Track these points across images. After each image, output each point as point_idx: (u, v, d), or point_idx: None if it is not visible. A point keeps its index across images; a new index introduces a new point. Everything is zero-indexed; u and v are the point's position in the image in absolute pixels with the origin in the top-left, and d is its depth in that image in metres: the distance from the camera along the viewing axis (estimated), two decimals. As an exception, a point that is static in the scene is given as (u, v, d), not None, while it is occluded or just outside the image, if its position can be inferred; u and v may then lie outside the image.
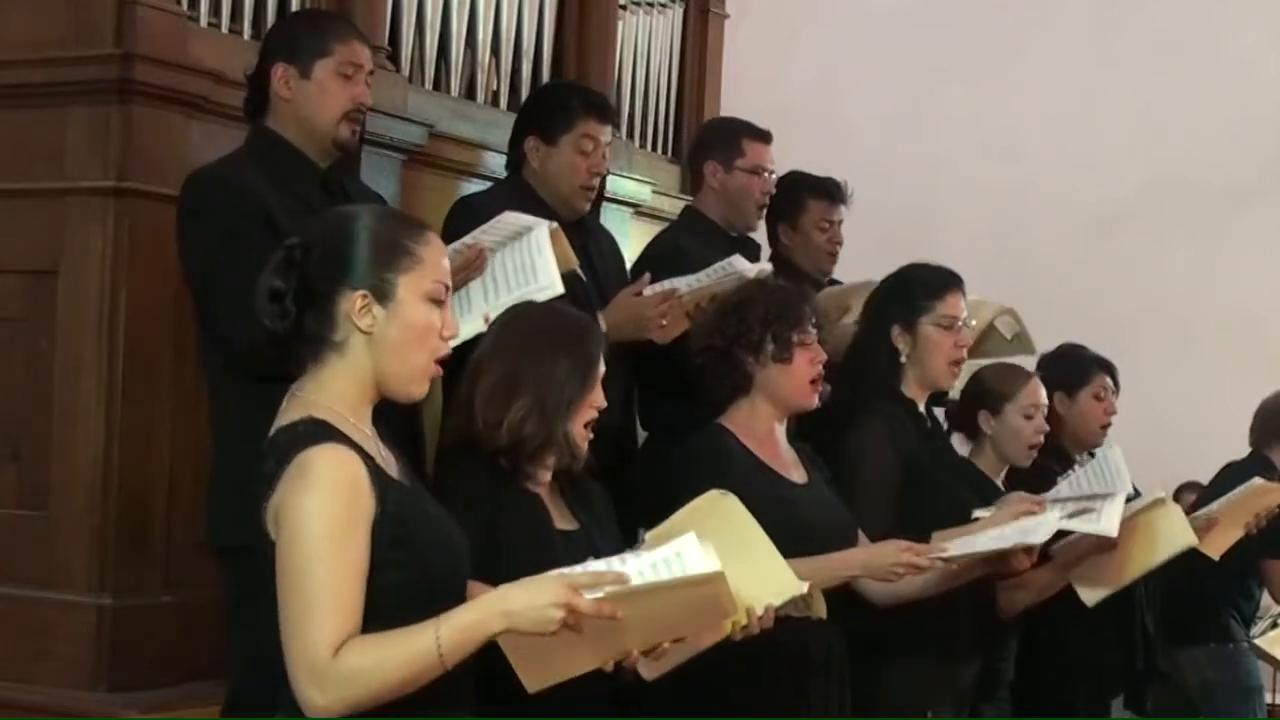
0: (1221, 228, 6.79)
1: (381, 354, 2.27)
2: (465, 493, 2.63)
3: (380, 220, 2.33)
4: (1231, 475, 5.10)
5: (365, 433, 2.29)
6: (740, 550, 2.66)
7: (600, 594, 2.17)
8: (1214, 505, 4.42)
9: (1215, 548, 4.30)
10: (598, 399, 2.83)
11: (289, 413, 2.25)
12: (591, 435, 2.84)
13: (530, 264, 3.34)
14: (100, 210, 3.60)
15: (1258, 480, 4.43)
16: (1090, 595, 3.87)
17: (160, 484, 3.65)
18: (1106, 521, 3.56)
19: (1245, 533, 4.34)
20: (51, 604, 3.59)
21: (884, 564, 3.15)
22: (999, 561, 3.35)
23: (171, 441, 3.67)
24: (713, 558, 2.32)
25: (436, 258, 2.32)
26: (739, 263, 3.73)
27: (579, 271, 3.65)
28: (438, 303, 2.30)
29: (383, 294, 2.25)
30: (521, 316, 2.93)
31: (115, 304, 3.58)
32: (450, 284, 2.35)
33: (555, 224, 3.49)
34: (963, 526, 3.51)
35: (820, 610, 2.94)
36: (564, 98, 4.03)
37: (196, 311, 3.32)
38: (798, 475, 3.35)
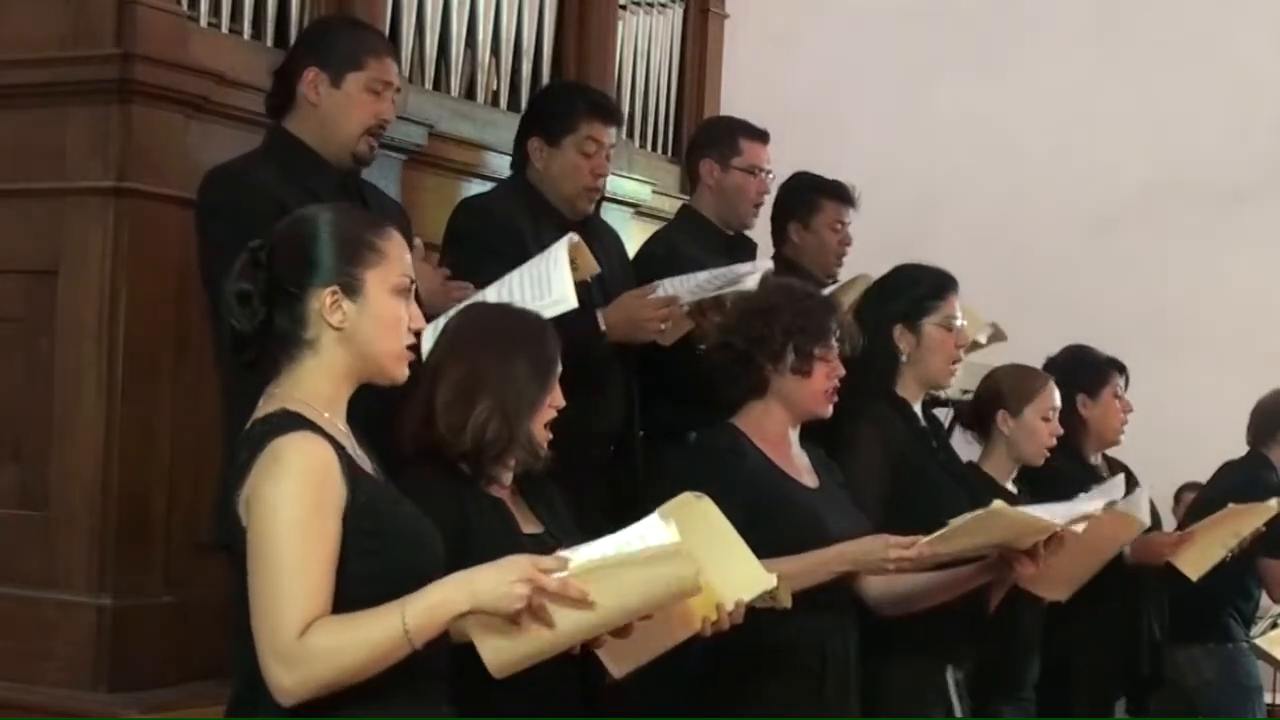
0: (1221, 228, 6.80)
1: (355, 347, 2.30)
2: (432, 501, 2.59)
3: (342, 218, 2.37)
4: (1229, 474, 5.11)
5: (339, 428, 2.32)
6: (713, 549, 2.66)
7: (565, 573, 2.20)
8: (1194, 526, 4.42)
9: (1194, 568, 4.29)
10: (557, 399, 2.83)
11: (264, 408, 2.29)
12: (550, 435, 2.83)
13: (546, 277, 3.35)
14: (100, 210, 3.60)
15: (1233, 506, 4.42)
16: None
17: (160, 484, 3.65)
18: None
19: (1225, 556, 4.32)
20: (51, 604, 3.59)
21: (873, 558, 3.14)
22: (1004, 568, 3.34)
23: (171, 441, 3.67)
24: (675, 535, 2.34)
25: (400, 252, 2.36)
26: (742, 270, 3.72)
27: (587, 279, 3.64)
28: (404, 295, 2.34)
29: (351, 289, 2.29)
30: (475, 319, 2.92)
31: (115, 304, 3.58)
32: (414, 278, 2.38)
33: (577, 236, 3.49)
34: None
35: (786, 600, 2.93)
36: (568, 98, 4.03)
37: (211, 309, 3.32)
38: (810, 479, 3.33)
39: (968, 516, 3.18)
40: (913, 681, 3.57)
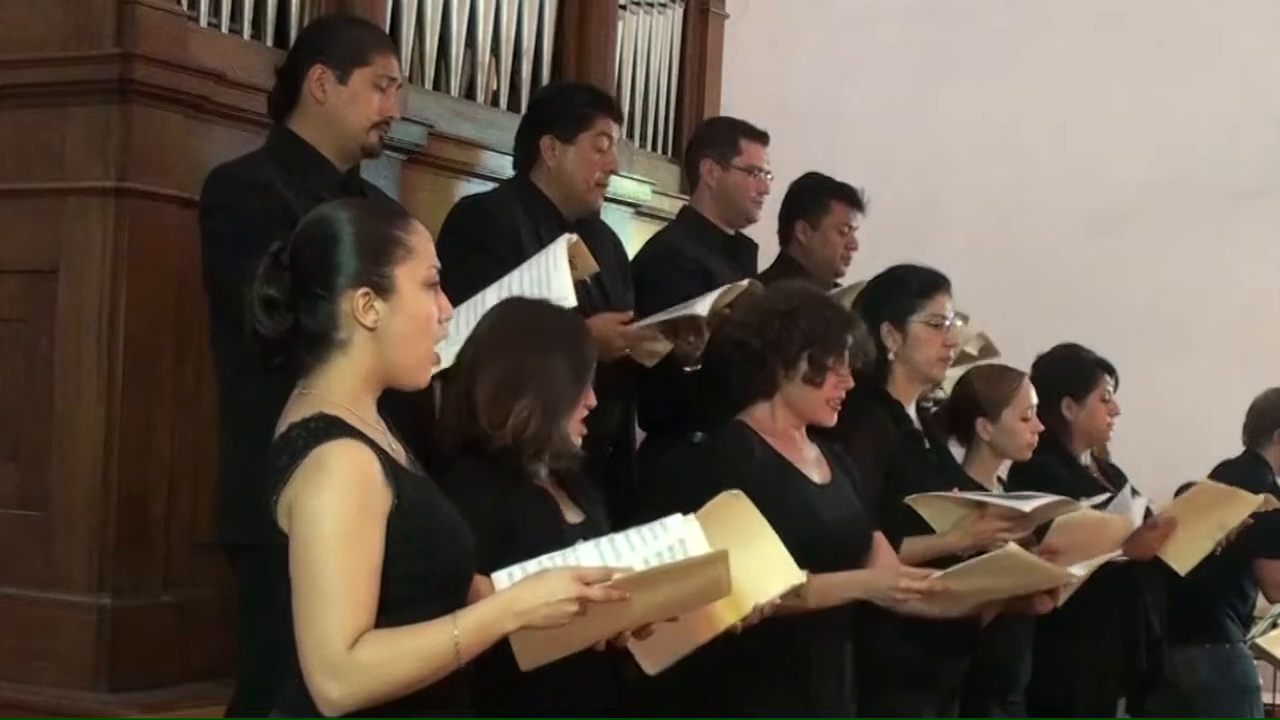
0: (1221, 228, 6.80)
1: (387, 347, 2.28)
2: (474, 493, 2.64)
3: (365, 215, 2.34)
4: (1225, 474, 5.09)
5: (373, 425, 2.30)
6: (749, 547, 2.72)
7: (609, 583, 2.24)
8: (1169, 509, 4.32)
9: (1180, 562, 4.26)
10: (590, 398, 2.85)
11: (299, 410, 2.26)
12: (584, 431, 2.85)
13: (545, 278, 3.34)
14: (100, 210, 3.60)
15: (1206, 481, 4.38)
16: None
17: (160, 484, 3.65)
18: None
19: (1215, 549, 4.29)
20: (51, 604, 3.59)
21: (884, 587, 3.15)
22: (1023, 602, 3.36)
23: (171, 441, 3.67)
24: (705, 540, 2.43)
25: (426, 244, 2.34)
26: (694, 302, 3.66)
27: (586, 278, 3.64)
28: (433, 288, 2.32)
29: (383, 288, 2.26)
30: (514, 315, 2.93)
31: (115, 304, 3.59)
32: (440, 266, 2.36)
33: (575, 236, 3.49)
34: (931, 537, 3.55)
35: (809, 600, 2.96)
36: (575, 96, 4.05)
37: (211, 306, 3.32)
38: (819, 474, 3.32)
39: (982, 557, 3.22)
40: (906, 681, 3.57)
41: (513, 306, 3.00)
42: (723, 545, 2.55)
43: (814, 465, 3.33)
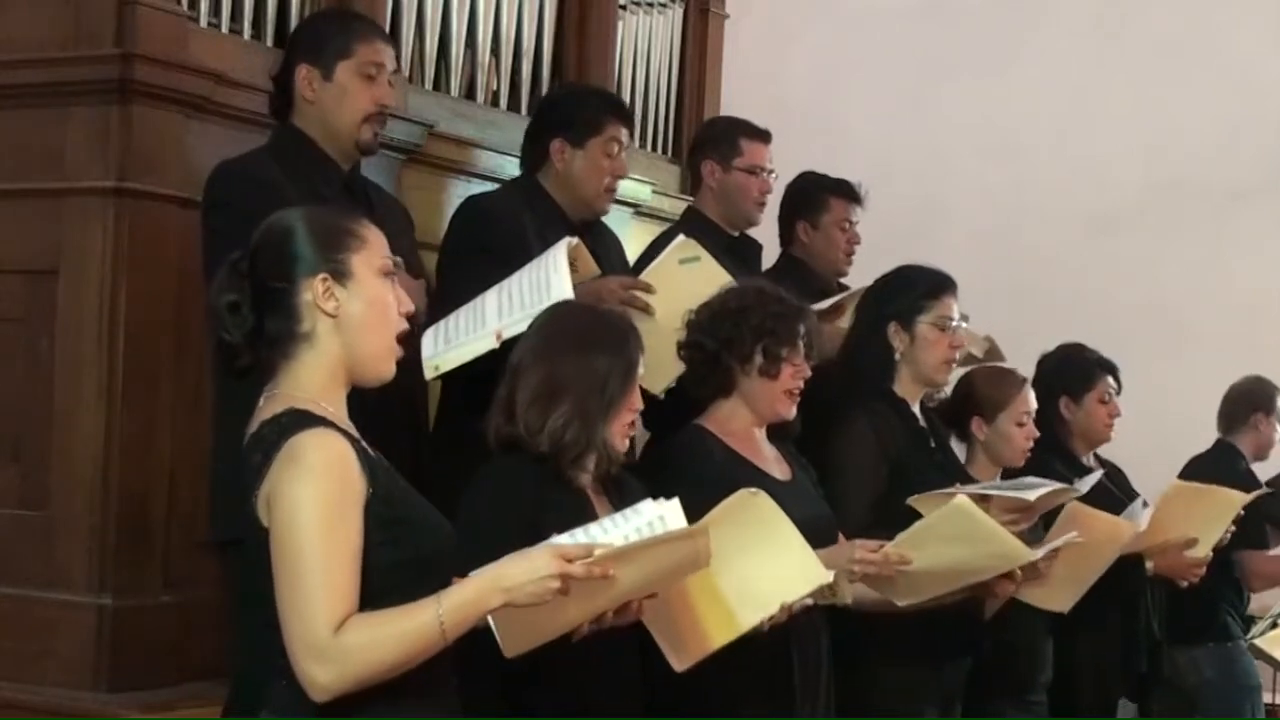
0: (1221, 228, 6.79)
1: (349, 335, 2.32)
2: (509, 492, 2.66)
3: (316, 211, 2.42)
4: (1199, 469, 5.07)
5: (344, 421, 2.32)
6: (771, 546, 2.74)
7: (590, 559, 2.27)
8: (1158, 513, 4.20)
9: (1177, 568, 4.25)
10: (636, 401, 2.86)
11: (269, 408, 2.29)
12: (633, 432, 2.87)
13: (545, 280, 3.34)
14: (100, 210, 3.61)
15: (1177, 483, 4.34)
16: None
17: (160, 484, 3.66)
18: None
19: (1222, 540, 4.26)
20: (51, 604, 3.60)
21: (843, 562, 3.15)
22: (980, 587, 3.37)
23: (171, 441, 3.68)
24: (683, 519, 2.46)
25: (378, 238, 2.39)
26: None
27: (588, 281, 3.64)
28: (390, 278, 2.36)
29: (340, 273, 2.31)
30: (562, 319, 2.94)
31: (115, 304, 3.59)
32: (397, 261, 2.41)
33: (575, 239, 3.48)
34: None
35: (846, 597, 2.98)
36: (589, 101, 4.02)
37: (208, 307, 3.32)
38: (780, 471, 3.35)
39: (933, 514, 3.19)
40: (906, 682, 3.57)
41: (560, 310, 3.02)
42: (742, 543, 2.56)
43: (774, 464, 3.37)
